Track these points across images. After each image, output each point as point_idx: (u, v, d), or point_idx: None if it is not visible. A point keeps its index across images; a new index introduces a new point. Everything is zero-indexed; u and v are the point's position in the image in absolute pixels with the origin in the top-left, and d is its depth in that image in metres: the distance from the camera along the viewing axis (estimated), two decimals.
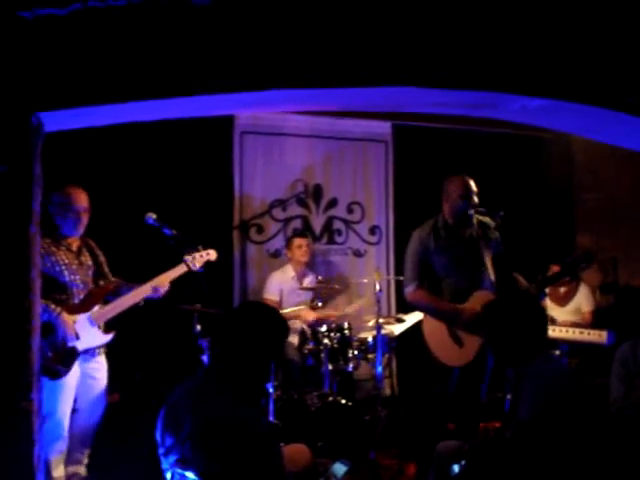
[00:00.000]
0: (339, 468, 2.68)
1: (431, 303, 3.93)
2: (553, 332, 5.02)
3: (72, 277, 3.69)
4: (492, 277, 3.86)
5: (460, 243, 3.95)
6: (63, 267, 3.65)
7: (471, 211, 3.91)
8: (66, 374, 3.55)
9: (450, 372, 3.83)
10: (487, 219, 4.05)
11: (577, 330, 4.97)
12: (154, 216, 4.04)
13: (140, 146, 5.18)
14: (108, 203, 4.60)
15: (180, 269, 3.97)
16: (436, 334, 3.90)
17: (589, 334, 4.89)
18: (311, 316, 5.18)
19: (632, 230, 6.01)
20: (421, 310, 4.16)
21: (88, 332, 3.66)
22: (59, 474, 3.57)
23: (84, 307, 3.70)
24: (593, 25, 2.77)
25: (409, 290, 3.95)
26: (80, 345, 3.61)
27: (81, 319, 3.65)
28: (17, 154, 2.38)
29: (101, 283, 3.86)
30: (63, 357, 3.54)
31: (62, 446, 3.58)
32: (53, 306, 3.53)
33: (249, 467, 2.27)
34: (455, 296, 3.88)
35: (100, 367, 3.81)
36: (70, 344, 3.56)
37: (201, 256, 4.06)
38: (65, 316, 3.55)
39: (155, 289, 3.83)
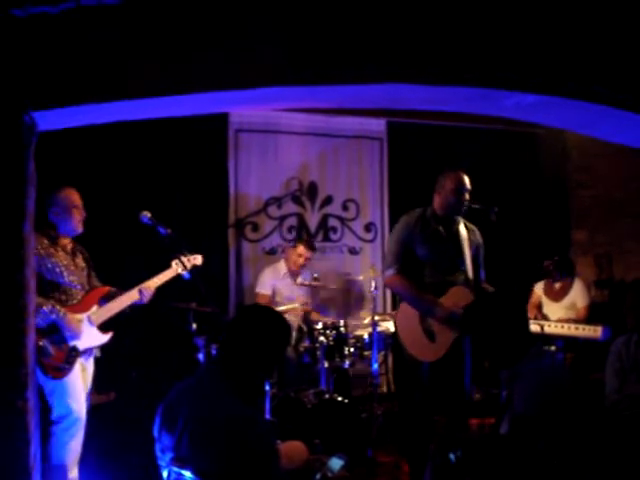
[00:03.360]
0: (335, 463, 2.68)
1: (408, 290, 3.85)
2: (548, 328, 5.03)
3: (71, 278, 3.69)
4: (470, 275, 3.84)
5: (443, 236, 3.90)
6: (63, 268, 3.65)
7: (464, 209, 3.90)
8: (69, 372, 3.56)
9: (419, 366, 3.75)
10: (472, 226, 4.03)
11: (572, 326, 4.96)
12: (149, 215, 4.03)
13: (135, 145, 5.18)
14: (103, 202, 4.60)
15: (169, 273, 3.98)
16: (409, 327, 3.84)
17: (584, 329, 4.89)
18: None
19: (627, 225, 6.03)
20: (398, 295, 4.11)
21: (88, 332, 3.68)
22: (74, 474, 3.58)
23: (83, 307, 3.71)
24: (587, 21, 2.78)
25: (388, 273, 3.89)
26: (81, 344, 3.63)
27: (83, 319, 3.66)
28: (10, 153, 2.37)
29: (97, 285, 3.87)
30: (66, 355, 3.55)
31: (78, 446, 3.59)
32: (58, 307, 3.55)
33: (247, 466, 2.27)
34: (431, 288, 3.82)
35: (91, 367, 3.83)
36: (71, 343, 3.57)
37: (188, 260, 4.04)
38: (70, 317, 3.58)
39: (141, 293, 3.84)
